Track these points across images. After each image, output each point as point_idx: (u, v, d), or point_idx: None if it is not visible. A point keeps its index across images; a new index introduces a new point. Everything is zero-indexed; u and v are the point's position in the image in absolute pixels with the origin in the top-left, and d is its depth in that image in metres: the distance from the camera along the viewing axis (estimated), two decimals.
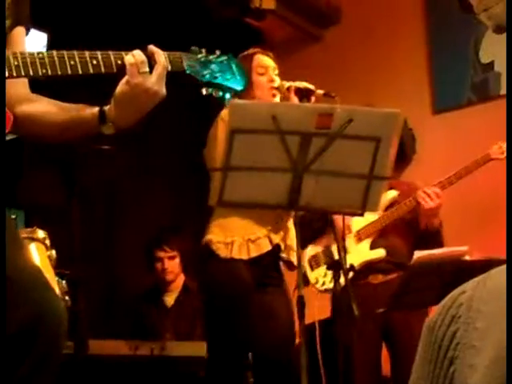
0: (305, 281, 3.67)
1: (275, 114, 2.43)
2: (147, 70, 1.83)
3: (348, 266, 3.29)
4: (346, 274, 2.90)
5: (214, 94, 1.96)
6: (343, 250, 3.34)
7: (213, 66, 1.95)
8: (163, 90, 1.85)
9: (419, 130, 3.98)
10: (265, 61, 3.43)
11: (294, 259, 3.16)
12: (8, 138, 1.86)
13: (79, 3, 4.52)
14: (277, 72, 3.42)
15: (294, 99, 3.19)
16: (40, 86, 1.98)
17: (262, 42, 5.19)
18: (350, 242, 3.69)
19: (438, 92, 5.01)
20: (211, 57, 1.97)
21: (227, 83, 1.97)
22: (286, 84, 3.27)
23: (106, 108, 1.86)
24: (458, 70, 4.93)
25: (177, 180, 5.47)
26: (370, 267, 3.67)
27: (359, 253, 3.68)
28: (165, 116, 4.62)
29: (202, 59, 1.95)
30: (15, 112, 1.80)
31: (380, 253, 3.66)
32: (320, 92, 3.20)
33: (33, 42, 3.87)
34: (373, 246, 3.70)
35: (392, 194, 3.73)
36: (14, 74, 1.77)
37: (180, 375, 4.00)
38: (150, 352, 4.00)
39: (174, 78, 1.88)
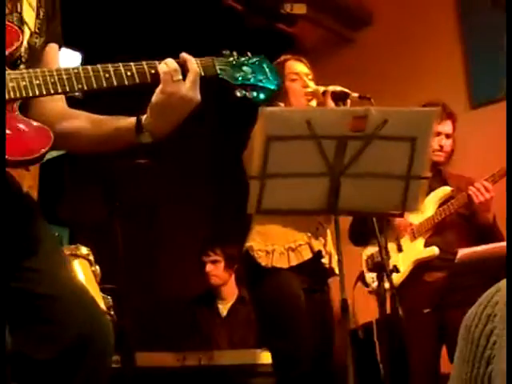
0: (363, 281, 3.68)
1: (309, 120, 2.42)
2: (181, 77, 1.84)
3: (391, 268, 3.27)
4: (388, 276, 2.86)
5: (247, 95, 1.95)
6: (387, 251, 3.31)
7: (245, 68, 1.95)
8: (198, 97, 1.85)
9: (457, 127, 3.96)
10: (296, 66, 3.41)
11: (335, 265, 3.15)
12: (54, 154, 1.87)
13: (110, 17, 4.56)
14: (311, 77, 3.40)
15: (331, 104, 3.17)
16: (76, 100, 2.00)
17: (294, 47, 5.19)
18: (405, 240, 3.68)
19: (475, 88, 4.96)
20: (243, 59, 1.97)
21: (260, 83, 1.96)
22: (321, 88, 3.25)
23: (143, 117, 1.87)
24: (493, 65, 4.87)
25: (217, 188, 5.50)
26: (424, 265, 3.65)
27: (413, 251, 3.67)
28: (202, 125, 4.65)
29: (234, 62, 1.95)
30: (54, 129, 1.81)
31: (432, 251, 3.64)
32: (355, 95, 3.17)
33: (68, 61, 3.93)
34: (429, 243, 3.69)
35: (445, 190, 3.71)
36: (52, 92, 1.78)
37: None
38: (198, 362, 4.00)
39: (208, 83, 1.89)
